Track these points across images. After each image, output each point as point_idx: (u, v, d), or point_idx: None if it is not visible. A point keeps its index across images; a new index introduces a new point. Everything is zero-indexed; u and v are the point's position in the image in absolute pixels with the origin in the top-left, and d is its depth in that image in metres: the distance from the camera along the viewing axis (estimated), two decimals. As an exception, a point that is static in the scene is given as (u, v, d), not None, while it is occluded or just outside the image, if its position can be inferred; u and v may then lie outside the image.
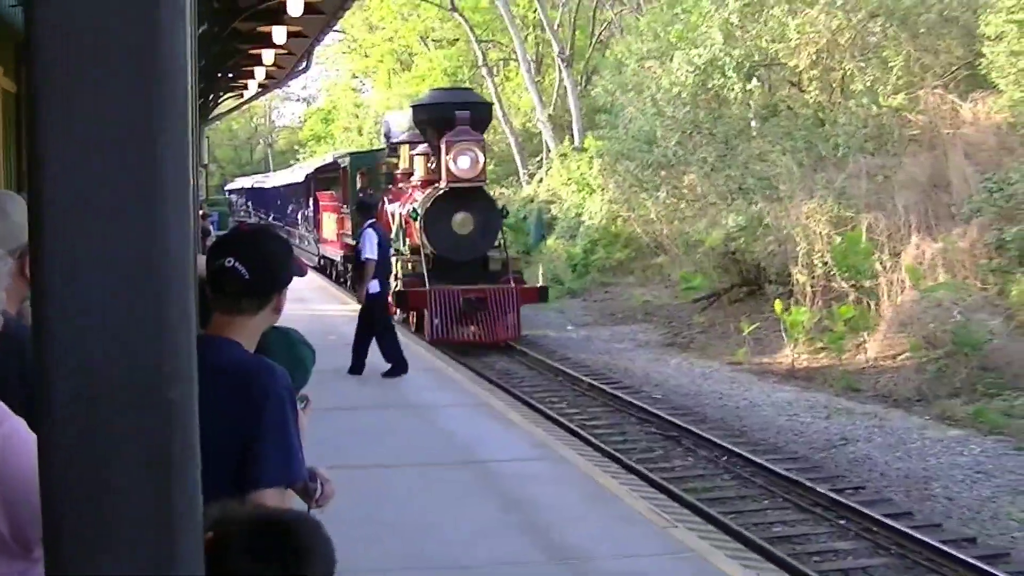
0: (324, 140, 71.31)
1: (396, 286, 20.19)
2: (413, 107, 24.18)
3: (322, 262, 35.29)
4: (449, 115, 21.51)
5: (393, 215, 24.22)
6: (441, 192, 21.67)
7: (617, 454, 12.55)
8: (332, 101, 73.92)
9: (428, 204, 21.80)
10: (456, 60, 51.70)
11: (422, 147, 23.60)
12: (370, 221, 15.67)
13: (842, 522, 10.45)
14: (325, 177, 36.82)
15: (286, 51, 18.18)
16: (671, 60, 27.36)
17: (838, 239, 19.84)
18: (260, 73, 20.57)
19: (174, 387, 1.59)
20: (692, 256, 25.35)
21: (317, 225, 36.19)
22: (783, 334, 19.90)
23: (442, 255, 21.45)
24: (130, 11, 1.52)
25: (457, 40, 52.01)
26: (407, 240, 22.90)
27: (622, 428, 14.74)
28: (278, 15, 14.82)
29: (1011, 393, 15.20)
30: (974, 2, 23.49)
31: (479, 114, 22.51)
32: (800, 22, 24.37)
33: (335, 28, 22.94)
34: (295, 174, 47.51)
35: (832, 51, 24.55)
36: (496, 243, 22.60)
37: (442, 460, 10.48)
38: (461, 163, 21.18)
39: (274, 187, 54.17)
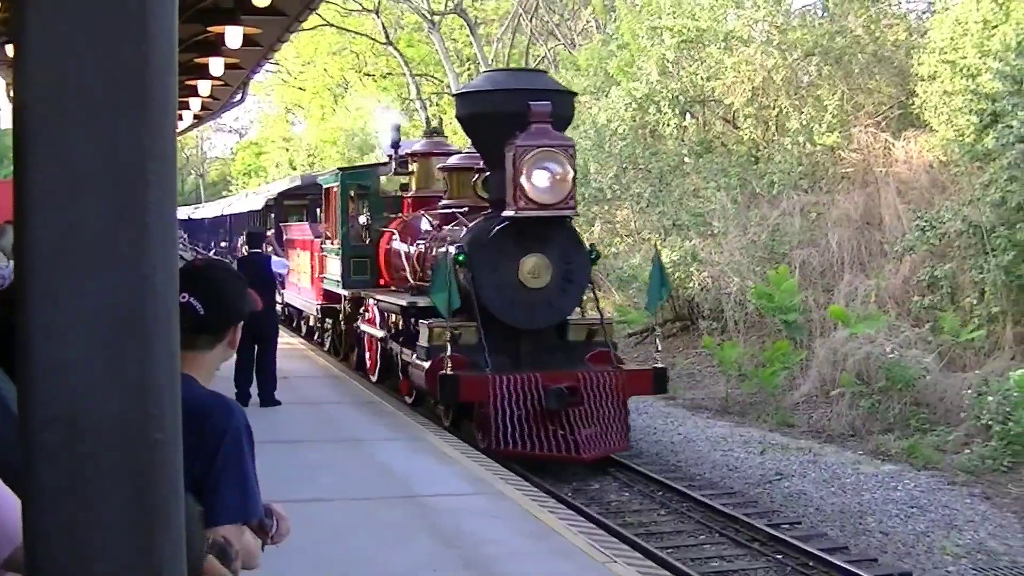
0: (256, 173, 71.00)
1: (445, 367, 13.57)
2: (458, 96, 15.84)
3: (287, 312, 27.62)
4: (517, 107, 13.79)
5: (404, 257, 17.69)
6: (502, 225, 14.06)
7: (552, 489, 12.47)
8: (262, 134, 73.56)
9: (484, 242, 14.19)
10: (392, 92, 51.89)
11: (457, 159, 17.27)
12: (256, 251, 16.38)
13: (779, 557, 10.46)
14: (295, 203, 30.99)
15: (222, 82, 18.17)
16: (607, 95, 27.51)
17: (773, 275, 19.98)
18: (196, 104, 20.37)
19: (160, 428, 1.64)
20: (626, 292, 25.44)
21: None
22: (716, 369, 20.01)
23: (502, 319, 14.08)
24: (120, 53, 1.55)
25: (391, 74, 52.13)
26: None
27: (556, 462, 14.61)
28: (215, 47, 14.88)
29: (944, 428, 15.37)
30: (907, 42, 23.85)
31: (562, 108, 14.47)
32: (736, 60, 24.56)
33: (271, 60, 22.45)
34: (249, 200, 39.74)
35: (767, 89, 24.70)
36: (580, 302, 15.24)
37: (380, 495, 10.51)
38: (538, 180, 13.53)
39: (216, 217, 47.92)
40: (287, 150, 67.85)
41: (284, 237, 28.06)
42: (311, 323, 25.23)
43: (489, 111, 14.17)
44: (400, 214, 19.39)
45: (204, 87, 17.97)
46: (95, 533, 1.61)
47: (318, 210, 26.27)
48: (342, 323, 21.18)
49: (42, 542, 1.61)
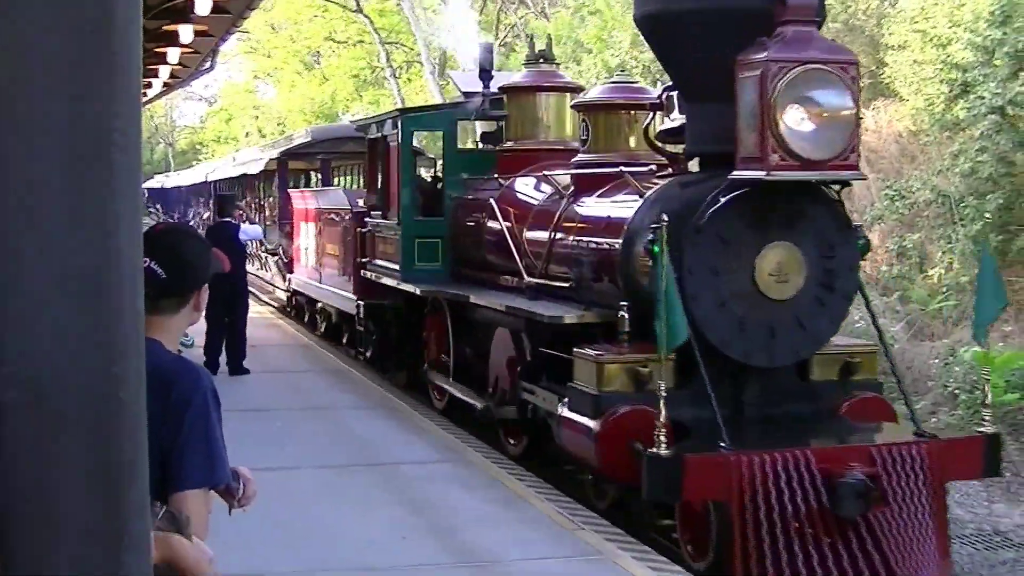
0: (226, 141, 70.63)
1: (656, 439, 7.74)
2: None
3: (295, 301, 22.46)
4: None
5: (514, 241, 11.47)
6: (729, 197, 8.37)
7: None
8: (231, 102, 73.10)
9: (696, 223, 8.43)
10: (362, 60, 51.60)
11: (602, 91, 11.28)
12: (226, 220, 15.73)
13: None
14: (302, 165, 25.35)
15: (192, 50, 17.93)
16: (578, 64, 27.45)
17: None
18: (165, 72, 20.15)
19: (125, 388, 1.65)
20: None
21: (289, 241, 22.34)
22: None
23: (722, 349, 8.51)
24: (85, 11, 1.54)
25: (362, 41, 51.84)
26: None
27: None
28: (185, 14, 14.68)
29: (913, 397, 15.39)
30: (878, 11, 23.81)
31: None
32: None
33: (240, 28, 22.13)
34: (242, 163, 30.77)
35: None
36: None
37: (347, 462, 10.54)
38: (803, 120, 7.93)
39: (196, 184, 41.43)
40: (256, 118, 67.49)
41: (293, 206, 21.87)
42: (334, 320, 18.85)
43: (698, 5, 8.65)
44: (492, 175, 12.95)
45: (173, 55, 17.76)
46: (60, 492, 1.60)
47: (334, 172, 23.90)
48: (385, 328, 15.62)
49: (6, 501, 1.60)
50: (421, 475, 10.05)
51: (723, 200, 8.27)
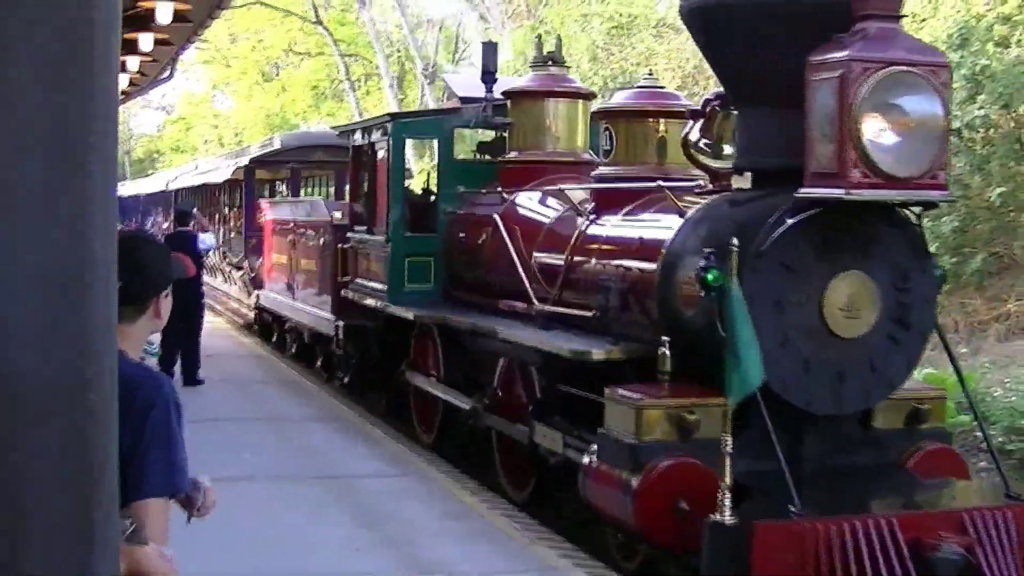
0: (183, 150, 69.46)
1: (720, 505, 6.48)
2: None
3: (261, 320, 21.05)
4: None
5: (524, 265, 10.18)
6: (798, 219, 7.11)
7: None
8: (190, 111, 72.05)
9: (758, 249, 7.07)
10: (320, 72, 50.93)
11: (628, 96, 10.01)
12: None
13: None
14: (270, 175, 23.94)
15: (151, 59, 17.70)
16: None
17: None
18: (123, 80, 19.57)
19: (96, 390, 1.73)
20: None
21: (257, 254, 20.98)
22: None
23: (783, 395, 7.19)
24: (67, 13, 1.55)
25: (322, 53, 50.97)
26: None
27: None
28: (145, 22, 14.35)
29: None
30: None
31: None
32: (667, 47, 24.35)
33: (200, 37, 21.22)
34: (206, 171, 28.84)
35: (698, 77, 24.51)
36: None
37: (303, 474, 10.54)
38: (889, 132, 6.66)
39: (156, 193, 38.72)
40: (216, 127, 66.51)
41: (264, 218, 20.41)
42: (307, 340, 17.46)
43: None
44: (494, 188, 11.66)
45: (132, 63, 17.46)
46: (30, 492, 1.65)
47: (304, 182, 22.78)
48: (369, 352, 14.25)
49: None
50: (376, 488, 10.05)
51: (789, 222, 7.09)
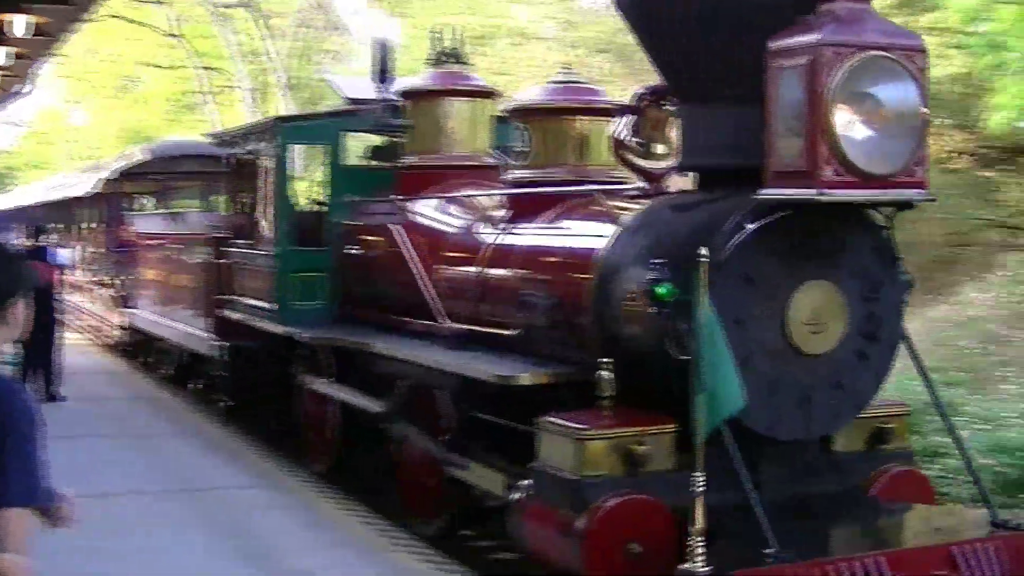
0: (40, 166, 67.24)
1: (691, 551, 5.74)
2: None
3: (131, 340, 19.55)
4: None
5: (439, 280, 9.29)
6: (760, 224, 6.29)
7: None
8: (48, 126, 69.95)
9: (717, 254, 6.13)
10: (178, 85, 49.69)
11: (544, 93, 8.92)
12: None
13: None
14: (138, 188, 22.36)
15: (9, 72, 17.45)
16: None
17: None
18: None
19: None
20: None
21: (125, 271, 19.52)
22: None
23: (744, 420, 6.19)
24: None
25: (184, 66, 49.60)
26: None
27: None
28: (1, 35, 14.16)
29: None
30: None
31: None
32: (525, 56, 24.34)
33: (58, 51, 20.16)
34: (72, 184, 26.60)
35: None
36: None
37: (162, 489, 10.38)
38: (861, 129, 5.88)
39: (13, 210, 35.41)
40: (72, 142, 64.55)
41: (132, 232, 19.33)
42: (184, 361, 16.22)
43: None
44: (390, 196, 10.59)
45: None
46: None
47: (174, 194, 21.73)
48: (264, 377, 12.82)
49: None
50: (236, 500, 9.95)
51: (749, 228, 6.29)
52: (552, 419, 6.64)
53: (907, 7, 18.29)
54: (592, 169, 8.54)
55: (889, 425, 7.14)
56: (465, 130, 10.61)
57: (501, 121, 10.85)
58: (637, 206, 7.38)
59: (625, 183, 8.21)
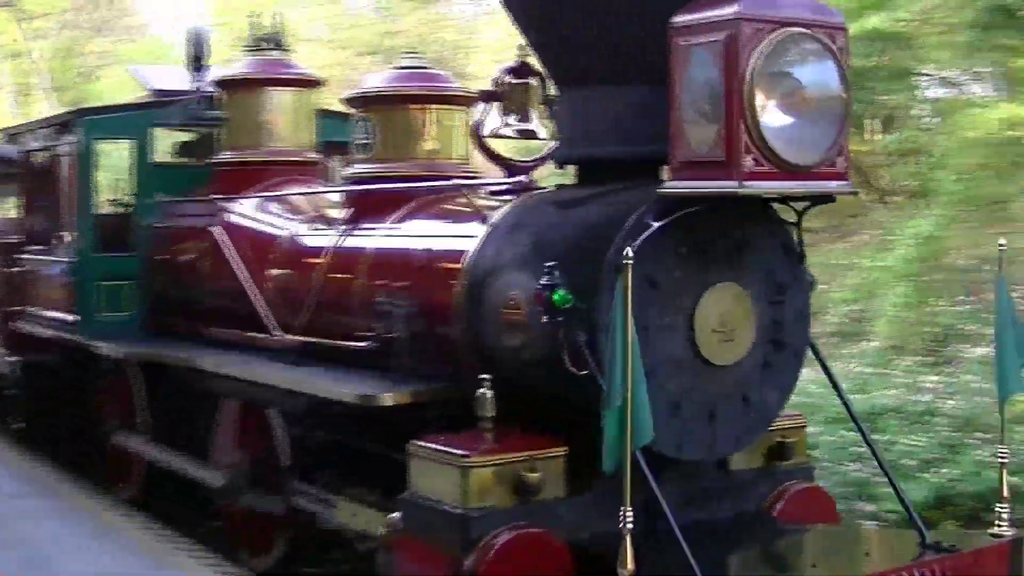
0: None
1: None
2: None
3: None
4: None
5: (269, 286, 8.36)
6: (668, 219, 5.54)
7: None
8: None
9: (616, 254, 5.20)
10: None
11: (388, 79, 7.98)
12: None
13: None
14: None
15: None
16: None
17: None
18: None
19: None
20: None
21: None
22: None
23: (655, 445, 5.16)
24: None
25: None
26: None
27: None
28: None
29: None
30: (458, 43, 25.44)
31: None
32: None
33: None
34: None
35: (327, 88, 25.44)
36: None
37: None
38: (780, 114, 5.25)
39: None
40: None
41: None
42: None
43: None
44: (204, 194, 9.84)
45: None
46: None
47: None
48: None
49: None
50: (9, 510, 9.68)
51: (655, 225, 5.58)
52: (427, 444, 5.84)
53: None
54: (444, 162, 7.77)
55: (790, 440, 6.54)
56: (287, 123, 9.70)
57: (325, 115, 10.00)
58: (502, 202, 6.63)
59: (479, 178, 7.50)
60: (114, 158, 12.37)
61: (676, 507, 5.81)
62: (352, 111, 8.01)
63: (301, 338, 7.73)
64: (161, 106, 10.40)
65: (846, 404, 6.44)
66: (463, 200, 6.90)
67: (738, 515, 6.31)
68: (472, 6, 29.15)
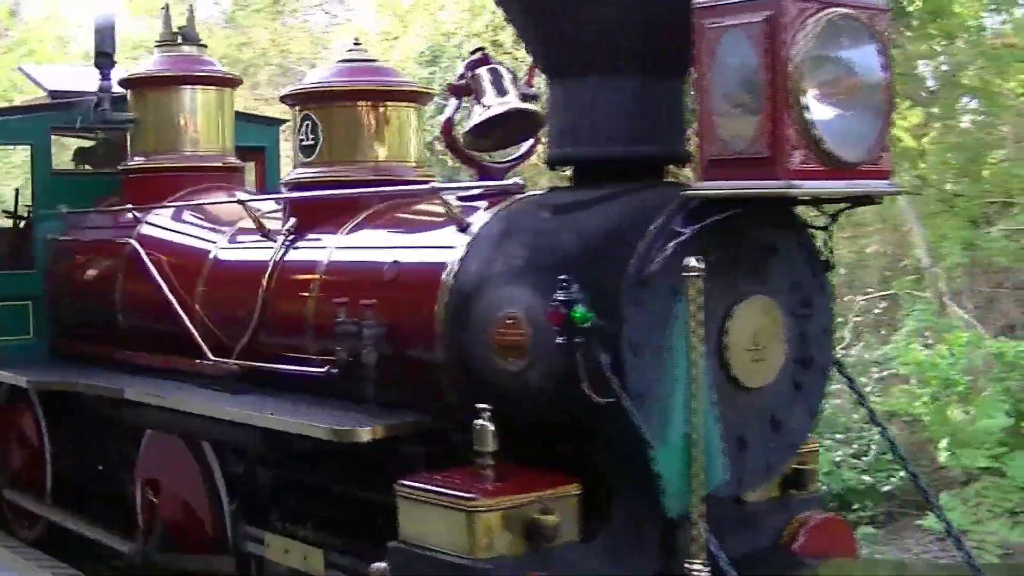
0: None
1: None
2: None
3: None
4: None
5: (200, 305, 7.50)
6: (702, 223, 4.84)
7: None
8: None
9: (641, 266, 4.84)
10: None
11: (344, 72, 7.07)
12: None
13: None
14: None
15: None
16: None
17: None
18: None
19: None
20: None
21: None
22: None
23: None
24: None
25: None
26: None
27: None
28: None
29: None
30: (312, 55, 24.80)
31: None
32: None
33: None
34: None
35: None
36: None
37: None
38: (826, 109, 4.66)
39: None
40: None
41: None
42: None
43: None
44: (111, 205, 9.10)
45: None
46: None
47: None
48: None
49: None
50: None
51: (687, 232, 4.92)
52: (421, 485, 5.12)
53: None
54: (397, 165, 7.03)
55: (808, 466, 5.92)
56: (204, 125, 8.84)
57: (241, 118, 9.18)
58: (477, 208, 5.93)
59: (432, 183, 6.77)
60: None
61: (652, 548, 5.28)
62: (293, 108, 7.20)
63: (243, 362, 6.92)
64: (59, 108, 9.44)
65: (884, 432, 5.87)
66: (432, 206, 6.19)
67: (754, 551, 5.68)
68: (324, 16, 28.87)
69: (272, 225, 7.22)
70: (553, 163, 5.77)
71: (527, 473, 5.16)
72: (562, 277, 4.88)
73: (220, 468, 7.04)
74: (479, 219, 5.79)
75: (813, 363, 5.49)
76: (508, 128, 6.15)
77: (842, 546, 5.93)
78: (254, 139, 9.03)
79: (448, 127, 6.24)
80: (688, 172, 5.77)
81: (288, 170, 7.51)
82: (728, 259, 5.06)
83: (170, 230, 8.20)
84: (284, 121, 10.10)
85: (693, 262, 4.21)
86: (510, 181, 5.92)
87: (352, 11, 26.31)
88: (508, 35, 17.19)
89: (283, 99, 7.41)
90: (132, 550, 7.68)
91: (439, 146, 12.04)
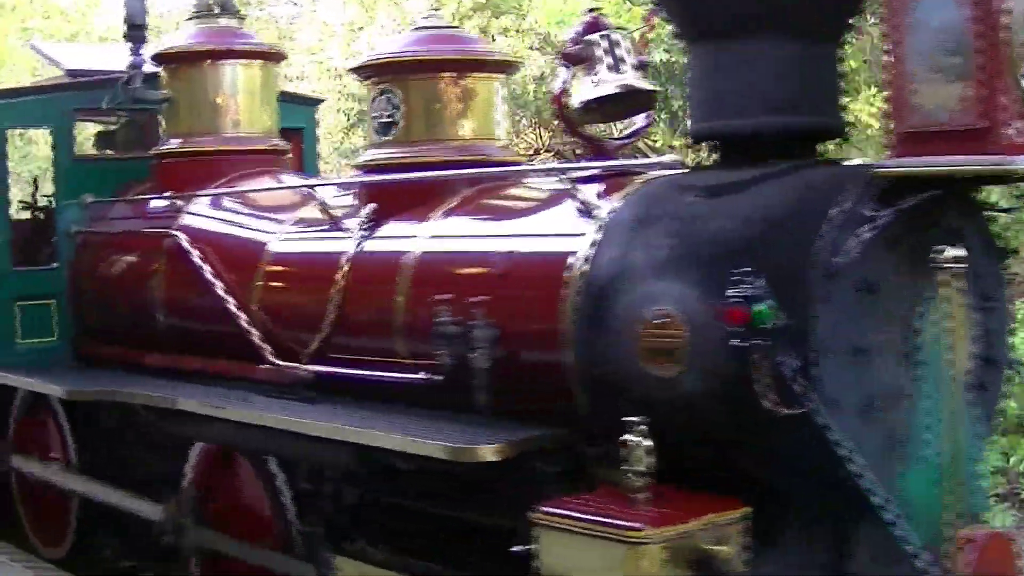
0: None
1: None
2: None
3: None
4: None
5: (258, 305, 6.75)
6: (895, 207, 4.26)
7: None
8: None
9: (828, 257, 4.21)
10: None
11: (424, 42, 6.35)
12: None
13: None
14: None
15: None
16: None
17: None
18: None
19: None
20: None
21: None
22: None
23: None
24: None
25: None
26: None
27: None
28: None
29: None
30: (279, 46, 25.23)
31: None
32: None
33: None
34: None
35: None
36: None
37: None
38: None
39: None
40: None
41: None
42: None
43: None
44: (144, 192, 8.40)
45: None
46: None
47: None
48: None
49: None
50: None
51: (877, 216, 4.29)
52: (568, 512, 4.46)
53: (485, 9, 17.61)
54: (484, 144, 6.36)
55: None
56: (247, 104, 8.07)
57: (286, 99, 8.49)
58: (597, 191, 5.28)
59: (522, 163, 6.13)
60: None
61: (869, 564, 4.70)
62: (367, 82, 6.48)
63: (317, 367, 6.23)
64: (84, 88, 8.67)
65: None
66: (543, 190, 5.53)
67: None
68: (289, 7, 28.48)
69: (344, 213, 6.53)
70: (698, 138, 5.12)
71: (686, 496, 4.51)
72: (736, 271, 4.24)
73: (288, 486, 6.36)
74: (607, 203, 5.13)
75: (997, 362, 4.87)
76: (621, 102, 5.52)
77: (1005, 566, 5.30)
78: (291, 119, 8.29)
79: (559, 98, 5.58)
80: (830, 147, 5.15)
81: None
82: (917, 247, 4.42)
83: (219, 220, 7.48)
84: (323, 100, 9.36)
85: (948, 251, 3.57)
86: (667, 158, 5.27)
87: (317, 1, 25.75)
88: (472, 24, 16.47)
89: (355, 71, 6.68)
90: (164, 517, 7.00)
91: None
